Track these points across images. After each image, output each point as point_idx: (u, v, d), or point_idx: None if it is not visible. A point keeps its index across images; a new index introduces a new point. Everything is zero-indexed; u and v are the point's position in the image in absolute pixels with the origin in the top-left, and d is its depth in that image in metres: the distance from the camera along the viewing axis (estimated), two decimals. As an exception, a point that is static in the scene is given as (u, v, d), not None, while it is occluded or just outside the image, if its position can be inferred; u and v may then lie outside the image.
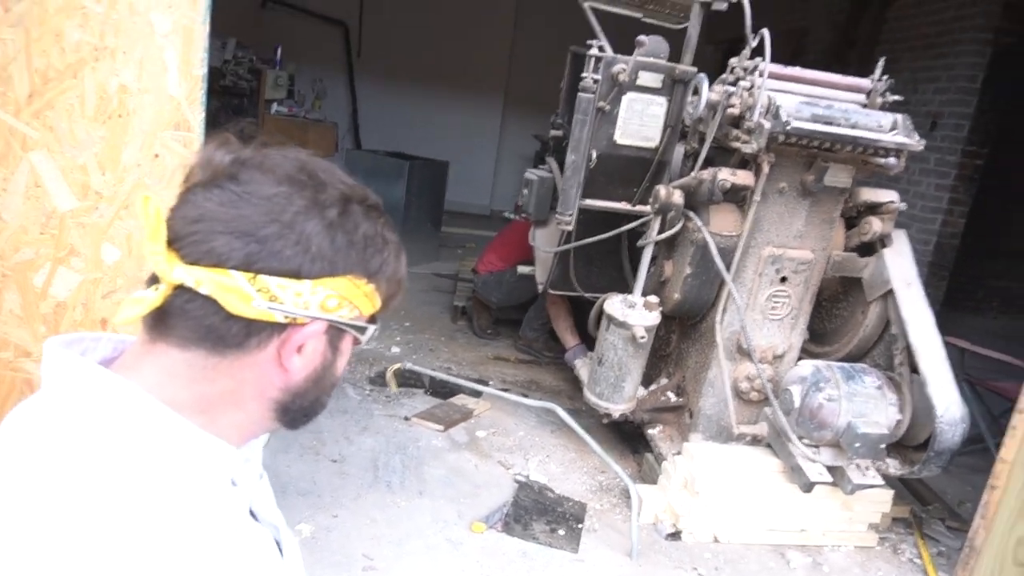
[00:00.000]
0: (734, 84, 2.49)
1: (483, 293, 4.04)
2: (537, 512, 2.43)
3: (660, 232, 2.61)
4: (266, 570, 0.67)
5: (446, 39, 7.62)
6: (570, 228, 2.85)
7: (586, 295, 3.17)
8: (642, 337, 2.50)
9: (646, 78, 2.74)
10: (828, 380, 2.39)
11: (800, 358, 2.72)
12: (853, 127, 2.40)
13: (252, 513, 0.72)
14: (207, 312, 0.59)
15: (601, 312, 2.65)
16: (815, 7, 6.48)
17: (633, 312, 2.54)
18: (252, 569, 0.63)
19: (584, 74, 2.72)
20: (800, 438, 2.41)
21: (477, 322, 4.13)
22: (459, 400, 3.13)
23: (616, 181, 2.89)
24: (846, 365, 2.48)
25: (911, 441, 2.46)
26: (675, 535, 2.42)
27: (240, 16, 6.48)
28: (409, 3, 7.53)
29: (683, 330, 2.88)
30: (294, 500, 2.25)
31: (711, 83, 2.54)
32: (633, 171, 2.88)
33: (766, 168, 2.43)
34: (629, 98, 2.76)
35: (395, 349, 3.65)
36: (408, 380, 3.26)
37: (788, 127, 2.31)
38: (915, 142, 2.43)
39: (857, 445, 2.31)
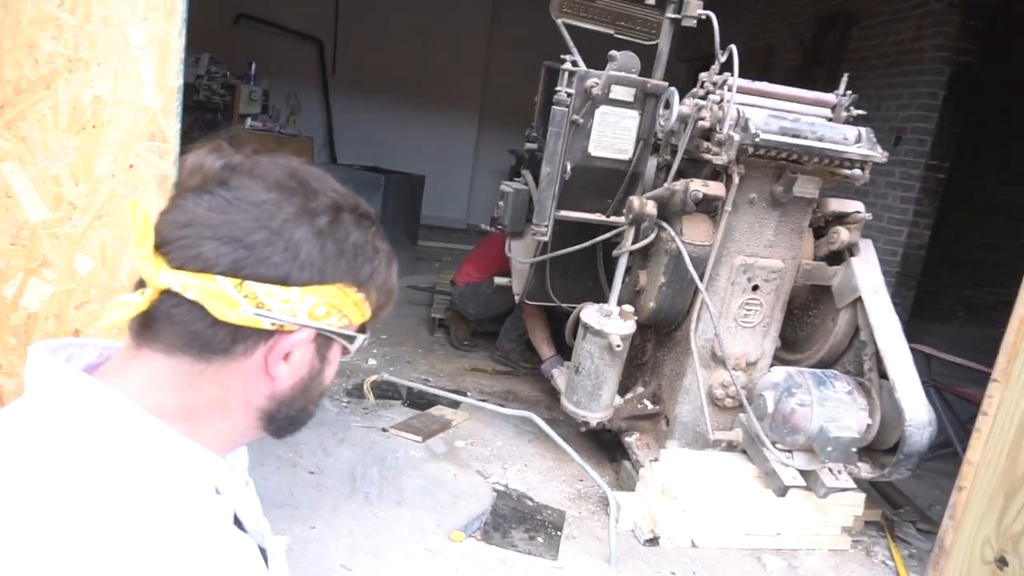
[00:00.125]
0: (704, 98, 2.56)
1: (460, 304, 4.05)
2: (516, 520, 2.43)
3: (634, 242, 2.65)
4: None
5: (421, 55, 7.68)
6: (546, 239, 2.89)
7: (562, 305, 3.20)
8: (618, 345, 2.53)
9: (619, 92, 2.80)
10: (800, 386, 2.43)
11: (773, 365, 2.77)
12: (819, 140, 2.47)
13: (238, 521, 0.71)
14: (193, 318, 0.59)
15: (578, 321, 2.68)
16: (781, 26, 6.65)
17: (609, 321, 2.57)
18: None
19: (558, 88, 2.77)
20: (774, 443, 2.45)
21: (455, 333, 4.14)
22: (437, 411, 3.13)
23: (591, 192, 2.93)
24: (817, 371, 2.54)
25: (881, 445, 2.52)
26: (653, 541, 2.44)
27: (213, 32, 6.46)
28: (384, 20, 7.58)
29: (658, 339, 2.92)
30: (271, 512, 2.20)
31: (682, 98, 2.60)
32: (607, 182, 2.92)
33: (736, 179, 2.49)
34: (602, 111, 2.81)
35: (372, 362, 3.64)
36: (386, 392, 3.25)
37: (757, 139, 2.37)
38: (878, 154, 2.51)
39: (829, 449, 2.35)
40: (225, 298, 0.58)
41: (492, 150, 8.20)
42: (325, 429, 2.82)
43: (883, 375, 2.51)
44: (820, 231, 2.79)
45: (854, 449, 2.40)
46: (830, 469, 2.46)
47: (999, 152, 5.64)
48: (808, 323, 2.90)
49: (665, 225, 2.60)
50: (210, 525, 0.62)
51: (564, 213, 2.89)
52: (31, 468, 0.55)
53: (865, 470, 2.54)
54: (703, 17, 2.70)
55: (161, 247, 0.59)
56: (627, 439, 2.84)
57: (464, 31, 7.82)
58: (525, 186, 3.17)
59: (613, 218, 2.95)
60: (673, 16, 2.80)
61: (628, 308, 2.61)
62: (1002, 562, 1.73)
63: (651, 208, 2.59)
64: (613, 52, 2.79)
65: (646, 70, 2.88)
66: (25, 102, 1.59)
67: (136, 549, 0.54)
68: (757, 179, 2.56)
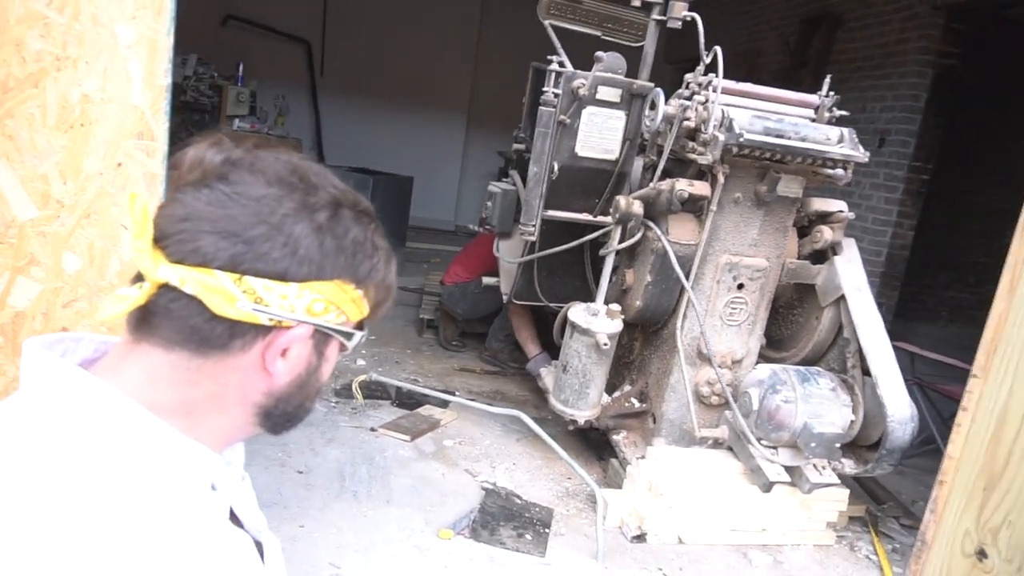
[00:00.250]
0: (690, 99, 2.59)
1: (449, 304, 4.06)
2: (504, 518, 2.44)
3: (621, 241, 2.67)
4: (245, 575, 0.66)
5: (409, 57, 7.68)
6: (533, 239, 2.90)
7: (550, 305, 3.22)
8: (605, 344, 2.55)
9: (605, 92, 2.82)
10: (784, 383, 2.47)
11: (758, 363, 2.81)
12: (803, 140, 2.51)
13: (235, 517, 0.71)
14: (191, 312, 0.59)
15: (565, 320, 2.70)
16: (767, 29, 6.71)
17: (596, 320, 2.59)
18: (231, 574, 0.63)
19: (545, 89, 2.79)
20: (759, 440, 2.48)
21: (443, 333, 4.15)
22: (426, 411, 3.14)
23: (578, 192, 2.96)
24: (801, 368, 2.57)
25: (864, 441, 2.55)
26: (640, 537, 2.46)
27: (201, 33, 6.45)
28: (372, 22, 7.58)
29: (645, 337, 2.95)
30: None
31: (668, 99, 2.63)
32: (594, 182, 2.95)
33: (721, 179, 2.52)
34: (589, 112, 2.83)
35: (360, 362, 3.64)
36: (374, 392, 3.26)
37: (741, 139, 2.40)
38: (860, 154, 2.54)
39: (813, 445, 2.39)
40: (223, 293, 0.58)
41: (480, 152, 8.22)
42: (314, 429, 2.83)
43: (866, 372, 2.55)
44: (804, 230, 2.83)
45: (838, 445, 2.44)
46: (814, 465, 2.50)
47: (982, 154, 5.72)
48: (792, 321, 2.93)
49: (651, 224, 2.63)
50: (206, 521, 0.62)
51: (551, 213, 2.91)
52: (26, 465, 0.55)
53: (849, 466, 2.58)
54: (688, 19, 2.73)
55: (160, 241, 0.58)
56: (614, 437, 2.87)
57: (452, 33, 7.84)
58: (513, 187, 3.19)
59: (600, 218, 2.98)
60: (659, 18, 2.83)
61: (615, 307, 2.64)
62: (982, 554, 1.76)
63: (637, 208, 2.62)
64: (600, 53, 2.81)
65: (632, 71, 2.90)
66: (13, 100, 1.59)
67: (133, 545, 0.54)
68: (742, 179, 2.60)
